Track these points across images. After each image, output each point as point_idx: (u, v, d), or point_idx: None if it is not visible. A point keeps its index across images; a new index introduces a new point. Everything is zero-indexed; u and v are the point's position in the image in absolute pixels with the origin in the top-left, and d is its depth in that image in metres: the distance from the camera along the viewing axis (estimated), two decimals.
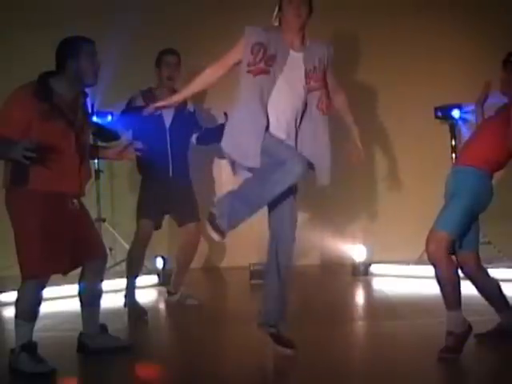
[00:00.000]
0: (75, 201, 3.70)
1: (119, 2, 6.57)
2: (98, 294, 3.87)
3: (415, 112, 6.59)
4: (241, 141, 3.49)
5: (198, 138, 5.12)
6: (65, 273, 3.71)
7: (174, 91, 4.97)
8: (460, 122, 6.34)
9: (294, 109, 3.53)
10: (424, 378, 3.30)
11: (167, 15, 6.65)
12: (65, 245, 3.58)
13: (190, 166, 5.10)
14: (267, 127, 3.48)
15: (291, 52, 3.54)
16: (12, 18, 6.47)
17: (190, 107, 5.08)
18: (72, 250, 3.62)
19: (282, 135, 3.52)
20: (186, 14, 6.69)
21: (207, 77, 3.63)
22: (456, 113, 6.25)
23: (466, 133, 5.97)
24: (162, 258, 6.12)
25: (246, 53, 3.50)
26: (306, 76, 3.54)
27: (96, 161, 5.89)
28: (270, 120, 3.50)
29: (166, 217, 5.20)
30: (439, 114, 6.41)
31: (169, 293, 5.22)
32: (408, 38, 6.76)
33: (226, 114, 4.96)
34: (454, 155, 6.27)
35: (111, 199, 6.73)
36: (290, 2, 3.52)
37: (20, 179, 3.51)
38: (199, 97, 6.23)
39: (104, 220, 6.32)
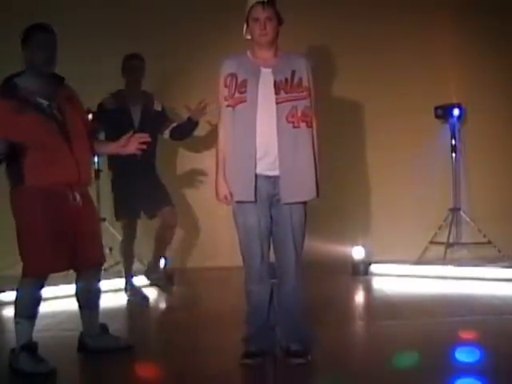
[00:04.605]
0: (78, 196, 3.64)
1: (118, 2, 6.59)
2: (95, 294, 3.87)
3: (415, 112, 6.58)
4: (237, 178, 3.51)
5: (171, 134, 5.35)
6: (61, 271, 3.70)
7: (141, 93, 5.27)
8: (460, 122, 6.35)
9: (272, 124, 3.44)
10: (424, 378, 3.30)
11: (164, 16, 6.65)
12: (65, 243, 3.57)
13: (162, 161, 5.34)
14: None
15: (262, 69, 3.50)
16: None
17: (158, 106, 5.30)
18: (70, 249, 3.60)
19: (260, 153, 3.46)
20: (186, 16, 6.69)
21: (223, 133, 3.58)
22: (456, 112, 6.25)
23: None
24: (163, 257, 6.11)
25: (221, 88, 3.53)
26: (276, 87, 3.46)
27: (96, 160, 5.89)
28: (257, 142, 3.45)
29: None
30: (439, 113, 6.41)
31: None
32: (407, 37, 6.75)
33: (187, 106, 5.29)
34: (454, 155, 6.27)
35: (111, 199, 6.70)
36: (255, 20, 3.48)
37: (17, 179, 3.55)
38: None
39: (104, 220, 6.31)
